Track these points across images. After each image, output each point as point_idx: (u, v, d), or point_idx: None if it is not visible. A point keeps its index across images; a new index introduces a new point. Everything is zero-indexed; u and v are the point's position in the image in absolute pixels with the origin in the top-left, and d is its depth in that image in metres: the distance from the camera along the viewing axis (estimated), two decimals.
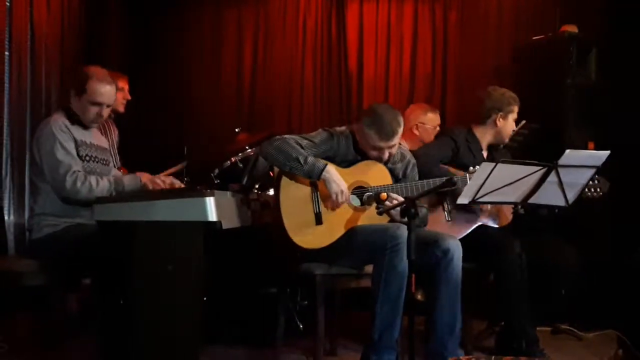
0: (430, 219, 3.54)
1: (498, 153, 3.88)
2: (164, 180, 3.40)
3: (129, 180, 3.31)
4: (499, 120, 3.78)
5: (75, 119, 3.33)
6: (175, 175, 4.00)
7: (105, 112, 3.36)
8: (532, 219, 3.66)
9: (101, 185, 3.20)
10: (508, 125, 3.81)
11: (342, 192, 3.19)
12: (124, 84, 4.25)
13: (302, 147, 3.28)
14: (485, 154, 3.84)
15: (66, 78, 3.37)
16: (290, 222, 3.23)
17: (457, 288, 3.21)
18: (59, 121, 3.27)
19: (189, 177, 4.25)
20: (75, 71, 3.40)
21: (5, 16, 4.16)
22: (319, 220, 3.25)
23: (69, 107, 3.33)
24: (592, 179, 3.43)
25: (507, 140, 3.88)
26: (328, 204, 3.25)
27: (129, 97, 4.29)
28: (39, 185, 3.27)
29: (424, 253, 3.10)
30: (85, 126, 3.37)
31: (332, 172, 3.21)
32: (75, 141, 3.27)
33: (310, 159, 3.22)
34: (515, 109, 3.81)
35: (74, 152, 3.24)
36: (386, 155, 3.34)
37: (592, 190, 3.51)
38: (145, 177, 3.35)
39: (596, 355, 3.80)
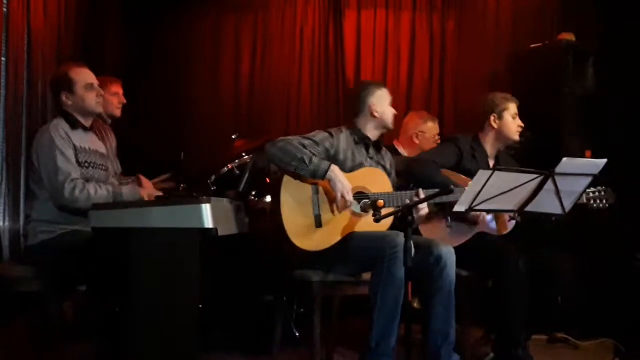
0: (432, 225, 3.54)
1: (503, 160, 3.87)
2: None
3: (127, 191, 3.31)
4: (495, 121, 3.78)
5: (75, 123, 3.33)
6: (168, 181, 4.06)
7: (100, 92, 3.40)
8: (531, 227, 3.65)
9: (99, 194, 3.19)
10: (507, 123, 3.78)
11: (347, 192, 3.23)
12: (117, 88, 4.23)
13: (305, 147, 3.32)
14: (492, 162, 3.84)
15: (50, 89, 3.41)
16: (289, 223, 3.24)
17: (451, 295, 3.22)
18: (59, 127, 3.27)
19: (185, 183, 4.24)
20: (53, 77, 3.43)
21: (2, 22, 4.15)
22: (318, 222, 3.27)
23: (66, 112, 3.34)
24: (596, 189, 3.45)
25: (515, 138, 3.82)
26: (329, 206, 3.29)
27: (124, 101, 4.26)
28: (36, 191, 3.26)
29: (418, 260, 3.10)
30: (85, 129, 3.38)
31: (337, 172, 3.26)
32: (75, 148, 3.27)
33: (315, 159, 3.26)
34: (510, 105, 3.79)
35: (73, 159, 3.23)
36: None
37: (598, 201, 3.50)
38: (144, 192, 3.38)
39: None
